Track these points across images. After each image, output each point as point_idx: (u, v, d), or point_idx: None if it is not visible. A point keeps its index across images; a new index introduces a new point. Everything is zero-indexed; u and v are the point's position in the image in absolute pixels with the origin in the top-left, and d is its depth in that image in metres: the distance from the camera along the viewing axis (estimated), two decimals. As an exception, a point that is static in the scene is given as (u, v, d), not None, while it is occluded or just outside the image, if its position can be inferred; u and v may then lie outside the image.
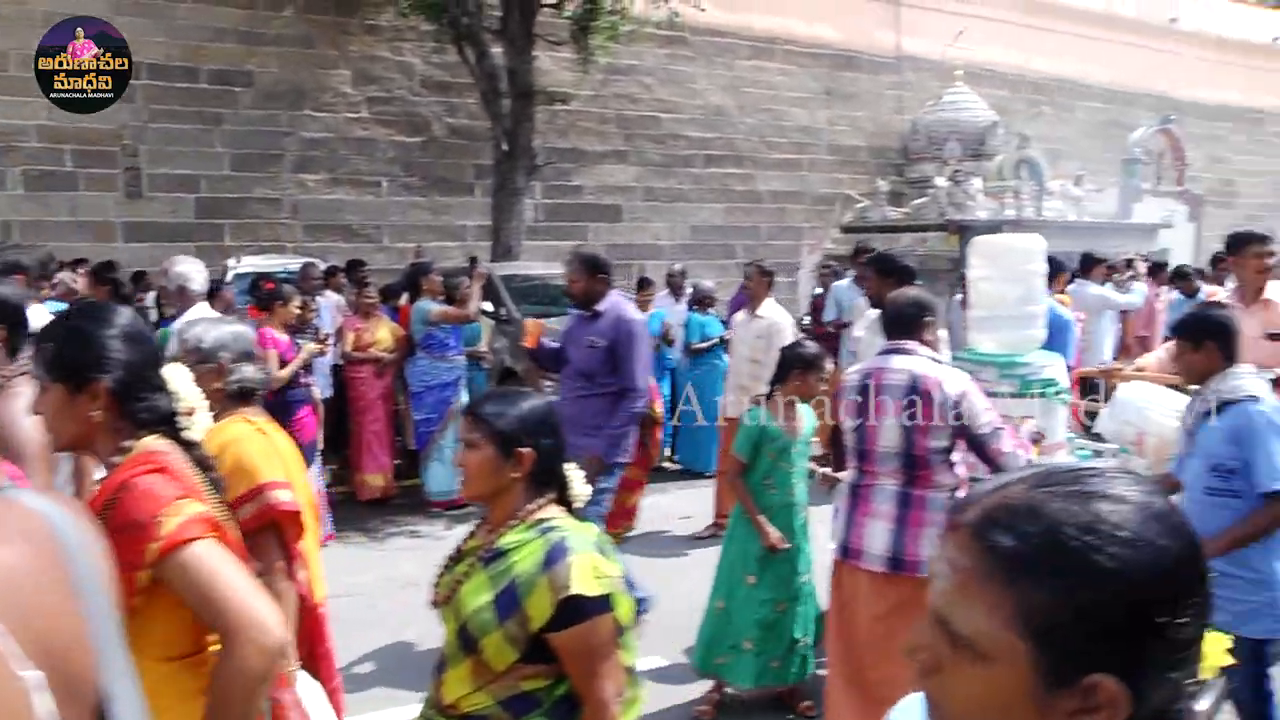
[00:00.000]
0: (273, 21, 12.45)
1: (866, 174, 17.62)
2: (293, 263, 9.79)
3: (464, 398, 7.70)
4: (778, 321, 6.61)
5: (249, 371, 2.86)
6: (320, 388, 7.19)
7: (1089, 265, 10.06)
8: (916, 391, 3.34)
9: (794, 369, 4.22)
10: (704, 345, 8.66)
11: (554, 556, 1.98)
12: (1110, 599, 0.78)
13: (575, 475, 2.21)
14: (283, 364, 6.29)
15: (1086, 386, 7.71)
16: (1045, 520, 0.80)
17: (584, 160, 14.95)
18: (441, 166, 13.84)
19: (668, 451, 8.79)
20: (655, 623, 4.85)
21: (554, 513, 2.11)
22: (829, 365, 4.75)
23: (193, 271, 5.29)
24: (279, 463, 2.67)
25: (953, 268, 10.09)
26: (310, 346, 6.61)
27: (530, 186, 12.57)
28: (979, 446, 3.36)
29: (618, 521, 6.76)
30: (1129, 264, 11.77)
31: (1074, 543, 0.79)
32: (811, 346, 4.44)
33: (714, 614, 4.26)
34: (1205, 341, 3.26)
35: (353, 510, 7.21)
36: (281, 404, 6.28)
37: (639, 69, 15.38)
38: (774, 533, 4.04)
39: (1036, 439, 3.89)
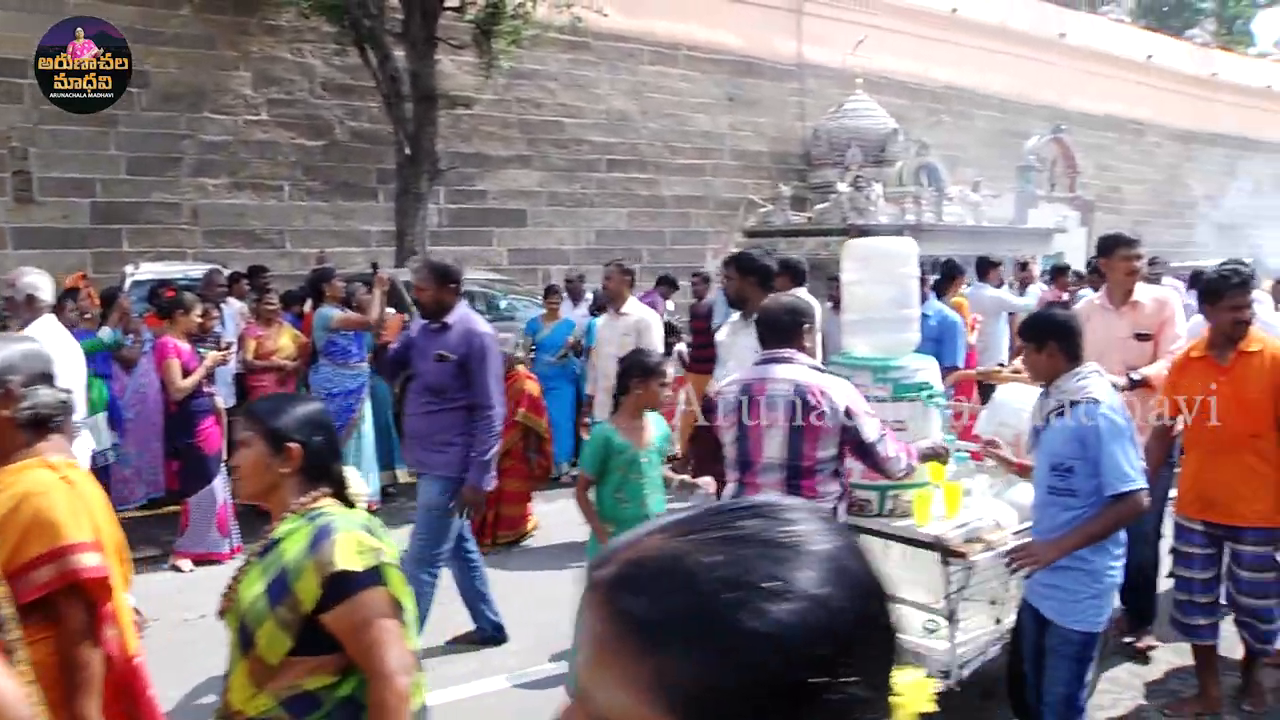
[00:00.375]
0: (170, 20, 12.12)
1: (769, 179, 17.95)
2: (194, 269, 9.63)
3: (368, 405, 7.69)
4: (644, 318, 6.44)
5: (44, 396, 2.43)
6: (223, 397, 7.10)
7: (985, 269, 10.37)
8: (804, 400, 3.30)
9: (633, 377, 4.12)
10: (557, 358, 8.55)
11: (319, 538, 2.04)
12: (762, 666, 0.65)
13: (353, 474, 2.27)
14: (186, 374, 6.25)
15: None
16: (682, 575, 0.68)
17: (488, 165, 14.95)
18: (344, 170, 13.72)
19: (567, 465, 8.60)
20: (541, 635, 4.95)
21: (326, 504, 2.17)
22: (671, 370, 4.66)
23: (42, 282, 5.18)
24: (86, 519, 2.35)
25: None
26: (214, 355, 6.56)
27: (434, 191, 12.56)
28: (865, 453, 3.38)
29: (504, 529, 6.84)
30: (1024, 266, 12.27)
31: (715, 601, 0.66)
32: (650, 354, 4.36)
33: None
34: (1048, 342, 3.28)
35: (257, 521, 7.01)
36: (185, 414, 6.35)
37: (542, 74, 15.46)
38: None
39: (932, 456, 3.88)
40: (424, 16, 11.36)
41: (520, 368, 6.95)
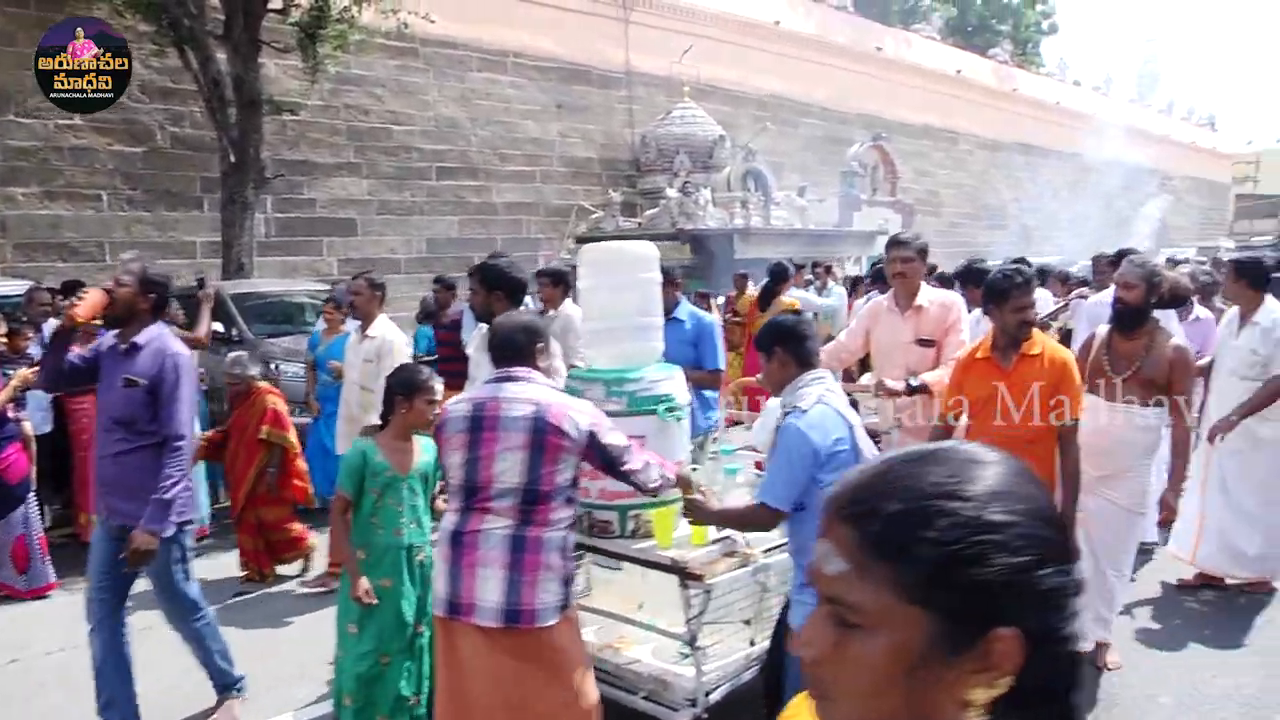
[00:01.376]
0: (-36, 14, 11.54)
1: (599, 186, 18.58)
2: (4, 286, 9.21)
3: (197, 426, 7.29)
4: (390, 341, 5.82)
5: None
6: (36, 422, 6.60)
7: (784, 275, 10.73)
8: (543, 421, 3.15)
9: (396, 396, 3.88)
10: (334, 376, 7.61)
11: None
12: (991, 554, 0.80)
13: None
14: (-10, 397, 5.71)
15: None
16: (917, 490, 0.84)
17: (316, 173, 14.95)
18: (166, 179, 13.44)
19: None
20: (304, 670, 4.76)
21: None
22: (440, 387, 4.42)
23: None
24: None
25: (686, 276, 10.87)
26: (23, 374, 5.98)
27: (260, 200, 12.45)
28: (614, 469, 3.27)
29: (285, 551, 6.24)
30: (828, 270, 12.99)
31: (949, 504, 0.82)
32: (417, 370, 4.09)
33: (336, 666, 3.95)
34: (775, 349, 3.19)
35: (78, 554, 5.65)
36: (-15, 441, 5.77)
37: (369, 79, 15.56)
38: (362, 583, 3.68)
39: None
40: (246, 18, 11.17)
41: (262, 384, 6.45)
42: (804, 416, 2.98)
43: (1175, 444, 4.58)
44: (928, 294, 4.90)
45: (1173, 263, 8.84)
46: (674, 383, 3.83)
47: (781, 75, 23.23)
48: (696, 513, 3.22)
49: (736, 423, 5.40)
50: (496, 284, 4.72)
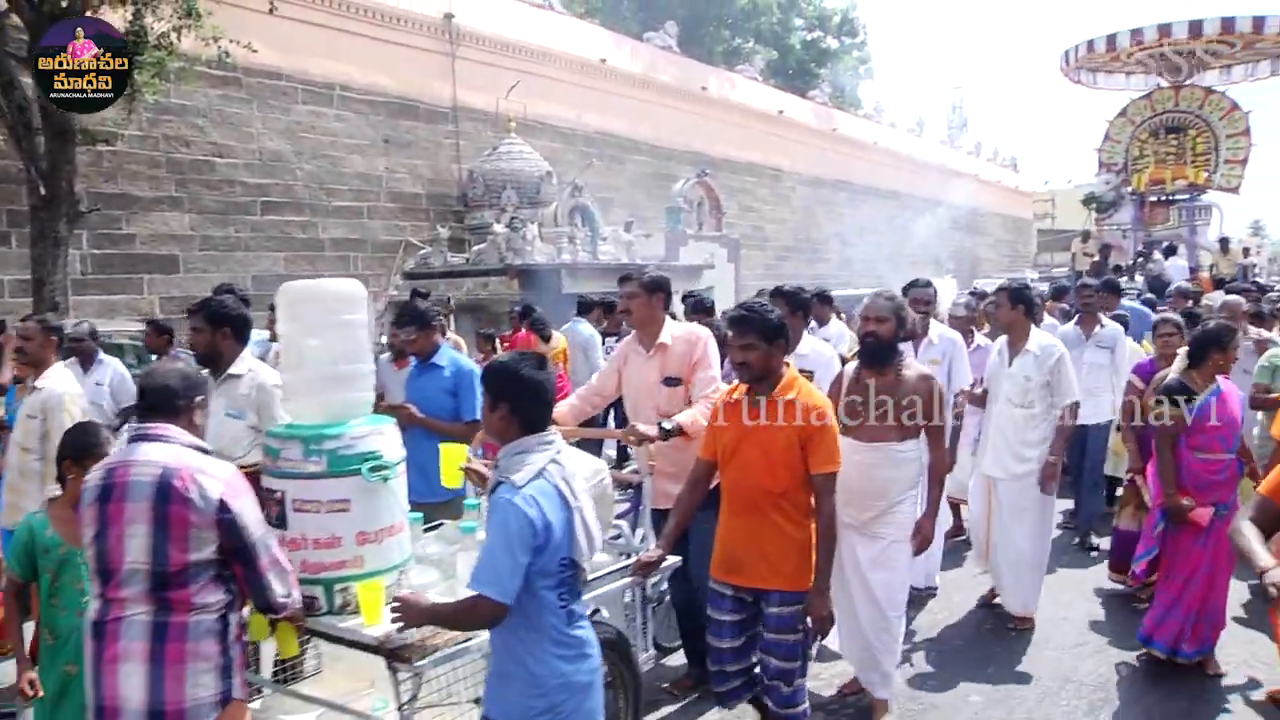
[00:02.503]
0: None
1: (427, 221, 18.99)
2: None
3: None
4: (58, 395, 5.04)
5: None
6: None
7: (587, 308, 11.11)
8: (166, 488, 2.77)
9: (65, 460, 3.50)
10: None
11: None
12: None
13: None
14: None
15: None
16: None
17: (135, 206, 14.81)
18: (-33, 213, 12.93)
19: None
20: None
21: None
22: None
23: None
24: None
25: (520, 315, 11.04)
26: None
27: (75, 235, 12.09)
28: (244, 562, 2.87)
29: None
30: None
31: None
32: (89, 430, 3.64)
33: None
34: (500, 402, 2.79)
35: None
36: None
37: (190, 110, 15.52)
38: (25, 675, 3.37)
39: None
40: (54, 40, 10.80)
41: None
42: (519, 492, 2.64)
43: (931, 472, 4.61)
44: (671, 330, 4.77)
45: (976, 295, 9.11)
46: (383, 438, 3.43)
47: (608, 112, 24.18)
48: (405, 613, 2.73)
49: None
50: (223, 321, 4.33)
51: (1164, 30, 22.35)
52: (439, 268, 17.48)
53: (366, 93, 18.32)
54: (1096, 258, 19.07)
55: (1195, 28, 22.03)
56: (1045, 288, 14.39)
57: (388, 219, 18.55)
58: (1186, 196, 23.23)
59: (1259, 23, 21.87)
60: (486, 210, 18.81)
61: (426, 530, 3.81)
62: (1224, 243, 20.19)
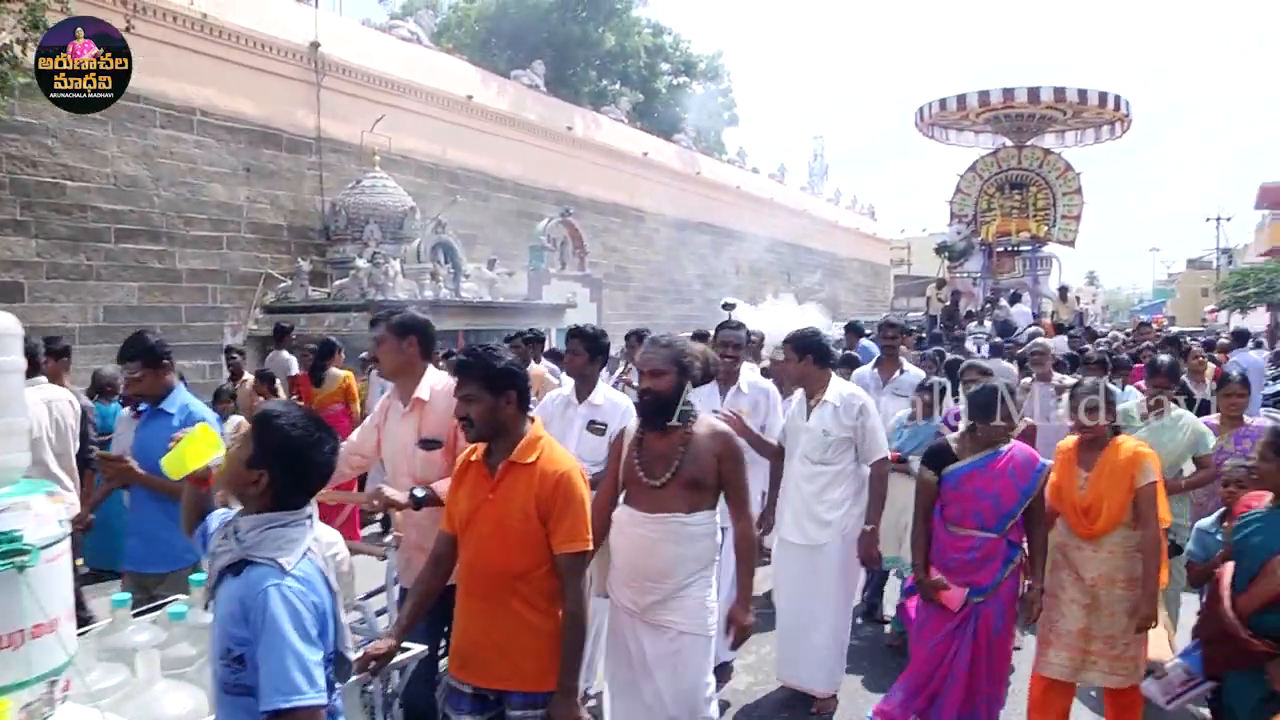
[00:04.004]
0: None
1: (289, 254, 18.94)
2: None
3: None
4: None
5: None
6: None
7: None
8: None
9: None
10: None
11: None
12: None
13: None
14: None
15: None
16: None
17: (-26, 230, 14.37)
18: None
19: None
20: None
21: None
22: None
23: None
24: None
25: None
26: None
27: None
28: None
29: None
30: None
31: None
32: None
33: None
34: (262, 465, 2.45)
35: None
36: None
37: (38, 129, 15.13)
38: None
39: None
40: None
41: None
42: (287, 576, 2.33)
43: (738, 548, 4.00)
44: (431, 382, 4.26)
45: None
46: (28, 513, 2.69)
47: (474, 149, 24.59)
48: None
49: None
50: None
51: (1007, 94, 24.32)
52: (300, 302, 17.49)
53: (228, 119, 18.18)
54: (948, 303, 20.44)
55: (1033, 93, 24.18)
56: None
57: (248, 250, 18.39)
58: (1030, 248, 25.06)
59: (1083, 95, 24.45)
60: (349, 244, 18.86)
61: (140, 613, 3.33)
62: (1063, 291, 21.96)
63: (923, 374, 7.41)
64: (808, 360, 5.30)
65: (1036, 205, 25.07)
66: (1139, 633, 4.50)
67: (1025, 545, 4.57)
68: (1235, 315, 40.68)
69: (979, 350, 14.28)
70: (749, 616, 3.96)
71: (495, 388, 3.31)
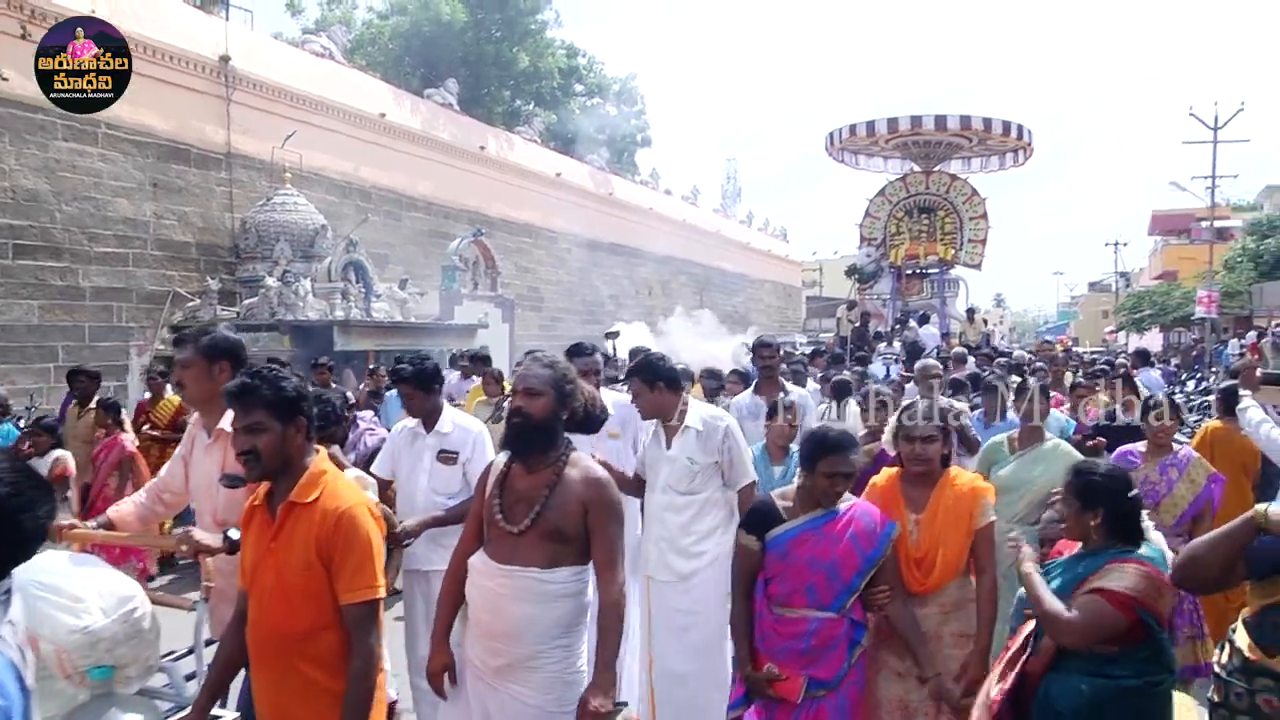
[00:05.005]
0: None
1: (197, 272, 18.71)
2: None
3: None
4: None
5: None
6: None
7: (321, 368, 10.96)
8: None
9: None
10: None
11: None
12: None
13: None
14: None
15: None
16: None
17: None
18: None
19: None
20: None
21: None
22: None
23: None
24: None
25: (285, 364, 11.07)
26: None
27: None
28: None
29: None
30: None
31: None
32: None
33: None
34: None
35: None
36: None
37: None
38: None
39: None
40: None
41: None
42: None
43: (600, 619, 3.36)
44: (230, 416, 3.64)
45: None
46: None
47: (386, 167, 24.57)
48: None
49: None
50: None
51: (915, 121, 25.10)
52: (207, 321, 17.28)
53: (135, 132, 17.91)
54: (858, 324, 20.97)
55: (940, 121, 25.00)
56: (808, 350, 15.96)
57: (155, 268, 18.11)
58: (937, 270, 25.77)
59: (988, 123, 25.33)
60: (259, 262, 18.72)
61: None
62: (970, 313, 22.70)
63: (808, 394, 7.08)
64: (660, 389, 4.85)
65: (944, 229, 25.84)
66: (965, 698, 3.70)
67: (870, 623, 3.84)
68: (1134, 336, 42.38)
69: (888, 372, 14.64)
70: (606, 702, 3.20)
71: (284, 415, 2.95)
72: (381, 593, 2.94)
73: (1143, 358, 14.26)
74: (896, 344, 18.91)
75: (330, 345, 16.31)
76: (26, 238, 15.98)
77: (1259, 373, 7.20)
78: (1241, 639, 3.00)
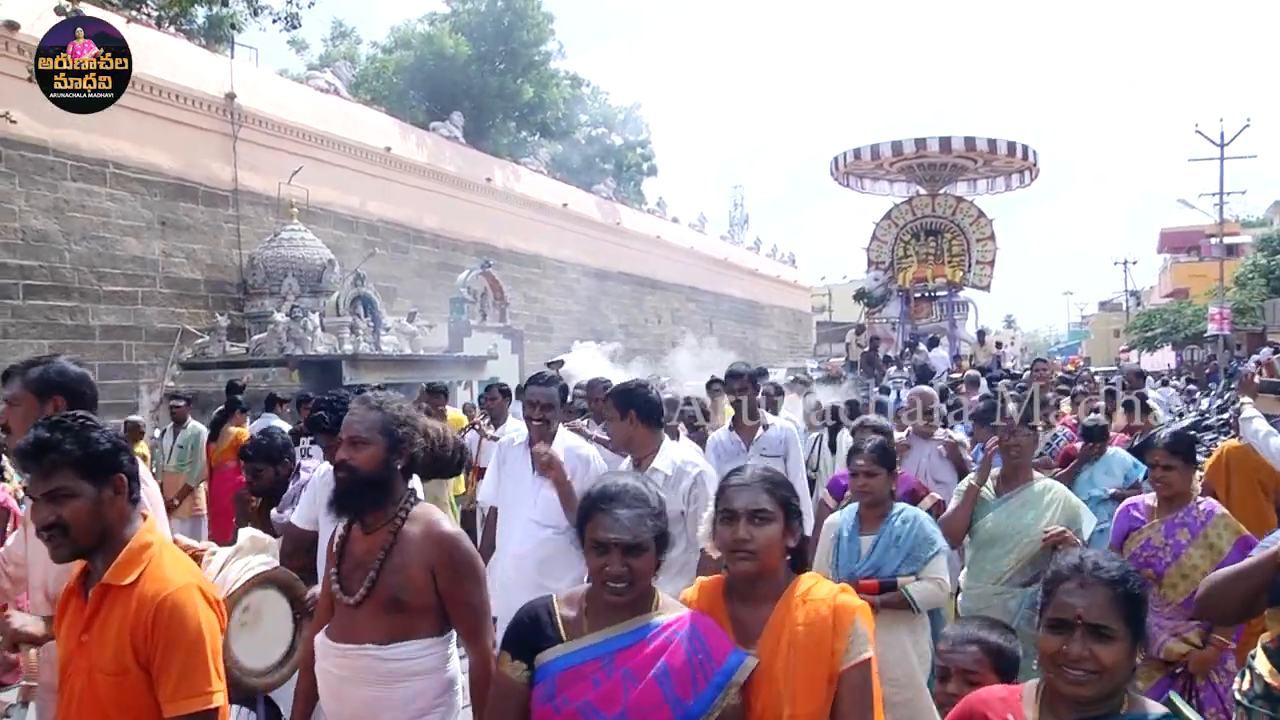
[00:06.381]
0: None
1: (206, 308, 18.83)
2: None
3: None
4: None
5: None
6: None
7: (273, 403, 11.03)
8: None
9: None
10: None
11: None
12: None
13: None
14: None
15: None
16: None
17: (-127, 285, 13.98)
18: None
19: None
20: None
21: None
22: None
23: None
24: None
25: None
26: None
27: None
28: None
29: None
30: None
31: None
32: None
33: None
34: None
35: None
36: None
37: None
38: None
39: None
40: None
41: None
42: None
43: (473, 690, 2.94)
44: None
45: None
46: None
47: (393, 201, 24.71)
48: None
49: None
50: None
51: (920, 144, 25.08)
52: (217, 357, 17.36)
53: (142, 171, 18.08)
54: (866, 349, 20.91)
55: (944, 143, 24.96)
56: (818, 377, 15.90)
57: (164, 305, 18.24)
58: (946, 293, 25.72)
59: (992, 144, 25.25)
60: (267, 298, 18.78)
61: None
62: (981, 335, 22.68)
63: (792, 427, 6.24)
64: (631, 418, 4.34)
65: (951, 251, 25.81)
66: None
67: None
68: (1145, 354, 42.24)
69: (897, 396, 14.43)
70: None
71: (97, 474, 2.35)
72: (219, 700, 2.33)
73: (1139, 378, 12.70)
74: (906, 368, 18.88)
75: (340, 380, 16.29)
76: (36, 277, 16.11)
77: (1257, 380, 6.76)
78: (1263, 665, 2.92)
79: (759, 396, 6.33)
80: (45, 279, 16.23)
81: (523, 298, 28.81)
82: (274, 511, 4.82)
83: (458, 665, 2.99)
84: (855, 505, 4.36)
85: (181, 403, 10.54)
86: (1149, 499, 4.54)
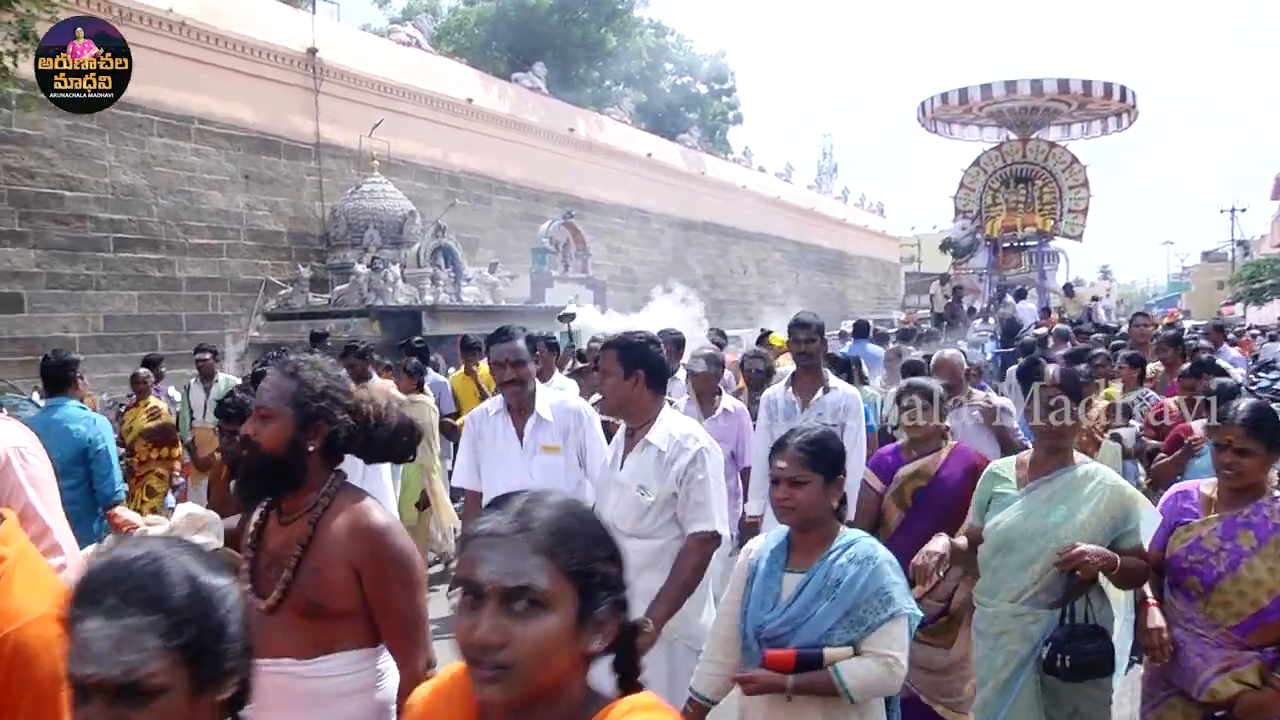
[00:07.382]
0: None
1: (289, 260, 19.18)
2: None
3: None
4: None
5: None
6: None
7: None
8: None
9: None
10: None
11: None
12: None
13: None
14: None
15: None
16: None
17: (-28, 241, 14.52)
18: None
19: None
20: None
21: None
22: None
23: None
24: None
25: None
26: None
27: None
28: None
29: None
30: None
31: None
32: None
33: None
34: None
35: None
36: None
37: (35, 140, 15.32)
38: None
39: None
40: None
41: None
42: None
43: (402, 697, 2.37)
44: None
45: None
46: None
47: (474, 152, 24.78)
48: None
49: None
50: None
51: (1010, 87, 24.19)
52: (300, 308, 17.67)
53: (226, 126, 18.43)
54: (950, 299, 20.45)
55: (1036, 86, 24.02)
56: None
57: (248, 258, 18.61)
58: (1036, 243, 24.96)
59: (1087, 86, 24.19)
60: (349, 250, 19.03)
61: None
62: (1068, 288, 21.98)
63: (855, 393, 5.39)
64: (637, 378, 3.51)
65: (1042, 199, 24.98)
66: None
67: None
68: (1251, 308, 40.65)
69: (982, 350, 13.94)
70: None
71: None
72: None
73: (1220, 331, 11.39)
74: (993, 321, 18.42)
75: (419, 330, 16.38)
76: (126, 231, 16.57)
77: None
78: None
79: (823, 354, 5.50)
80: (134, 232, 16.67)
81: (606, 248, 28.75)
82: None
83: (394, 685, 2.45)
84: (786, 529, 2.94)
85: (207, 355, 10.08)
86: (1205, 485, 3.33)
